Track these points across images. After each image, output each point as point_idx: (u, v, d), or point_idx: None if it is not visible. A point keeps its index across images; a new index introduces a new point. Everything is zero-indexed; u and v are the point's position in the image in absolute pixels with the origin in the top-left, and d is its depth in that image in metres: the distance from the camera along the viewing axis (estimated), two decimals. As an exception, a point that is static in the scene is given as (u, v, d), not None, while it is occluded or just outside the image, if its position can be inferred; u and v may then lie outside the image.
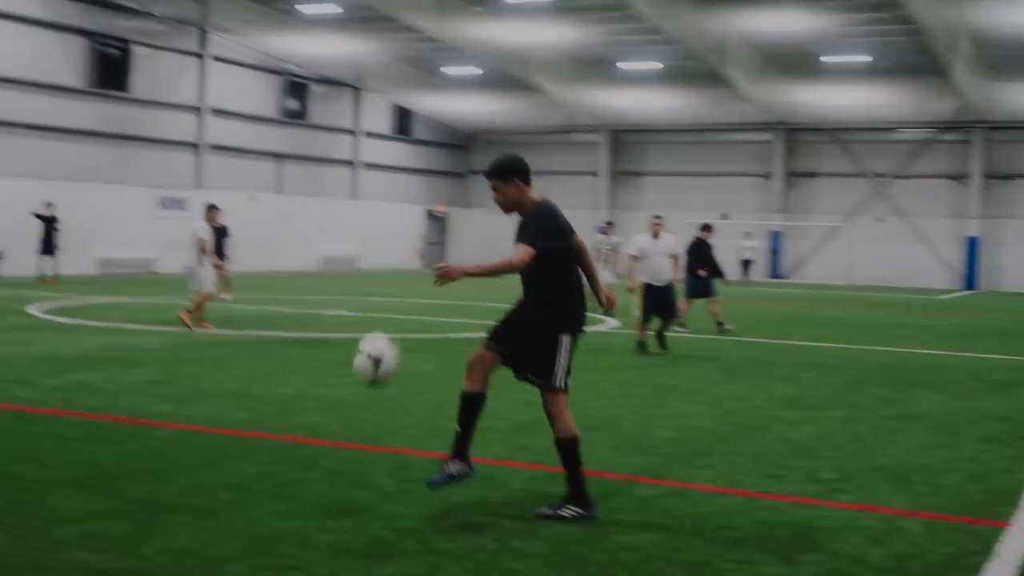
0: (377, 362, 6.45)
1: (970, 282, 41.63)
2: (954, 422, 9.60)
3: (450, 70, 42.77)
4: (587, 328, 6.37)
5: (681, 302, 18.09)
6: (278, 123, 41.26)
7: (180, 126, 37.03)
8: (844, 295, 34.31)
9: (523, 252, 6.03)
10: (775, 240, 44.73)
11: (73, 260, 30.61)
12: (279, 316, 19.28)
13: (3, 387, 10.10)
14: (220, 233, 18.77)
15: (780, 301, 29.54)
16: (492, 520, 5.88)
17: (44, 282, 27.34)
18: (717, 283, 18.90)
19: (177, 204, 35.88)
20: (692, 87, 41.71)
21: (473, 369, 6.19)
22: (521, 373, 6.25)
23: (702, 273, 18.32)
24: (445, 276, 5.85)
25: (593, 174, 47.70)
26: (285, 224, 40.04)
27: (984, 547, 5.62)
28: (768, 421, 9.42)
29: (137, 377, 11.01)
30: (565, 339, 6.14)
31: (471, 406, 6.15)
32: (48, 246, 28.35)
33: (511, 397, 8.72)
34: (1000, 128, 41.44)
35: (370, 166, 45.73)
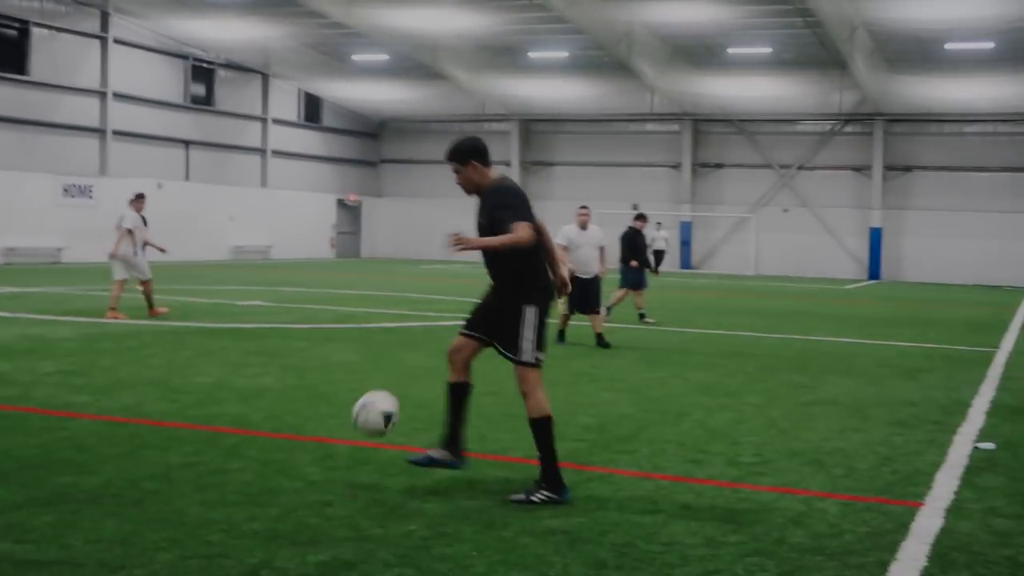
0: (388, 418, 6.46)
1: (874, 272, 42.68)
2: (865, 407, 9.87)
3: (359, 57, 42.47)
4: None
5: (619, 293, 18.24)
6: (185, 109, 40.63)
7: (83, 111, 36.26)
8: (754, 285, 34.92)
9: (525, 229, 6.11)
10: (686, 231, 45.30)
11: (-27, 249, 29.86)
12: (192, 306, 19.01)
13: (-91, 378, 9.84)
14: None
15: (692, 291, 29.95)
16: (420, 507, 5.90)
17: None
18: (648, 274, 19.00)
19: (82, 192, 35.12)
20: (600, 77, 42.04)
21: (452, 359, 6.28)
22: (498, 350, 6.30)
23: (634, 264, 18.19)
24: (461, 243, 6.03)
25: (505, 163, 47.77)
26: (194, 213, 39.43)
27: (899, 526, 5.81)
28: (687, 408, 9.58)
29: (51, 368, 10.80)
30: (529, 311, 6.18)
31: (455, 395, 6.26)
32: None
33: (434, 386, 8.75)
34: (898, 120, 42.52)
35: (280, 154, 45.28)
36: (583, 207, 15.48)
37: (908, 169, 42.88)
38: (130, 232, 16.54)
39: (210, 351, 12.57)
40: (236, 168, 43.18)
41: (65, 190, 34.63)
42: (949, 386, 11.45)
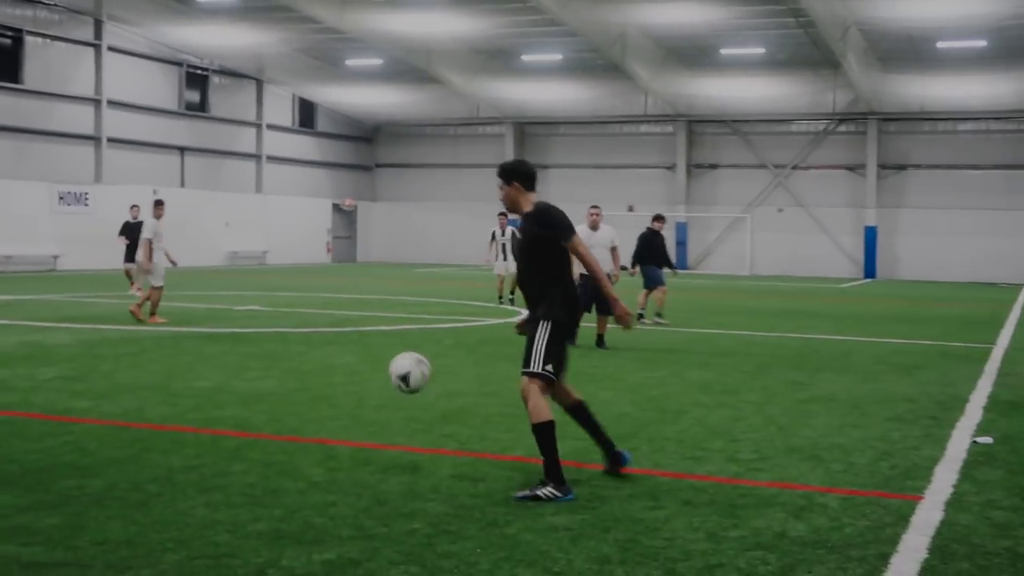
0: (405, 379, 6.72)
1: (870, 270, 42.75)
2: (863, 403, 9.92)
3: (353, 62, 42.42)
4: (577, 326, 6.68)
5: (641, 296, 18.43)
6: (179, 115, 40.61)
7: (77, 118, 36.24)
8: (750, 285, 34.97)
9: (582, 244, 6.55)
10: (681, 232, 45.34)
11: (-31, 257, 29.85)
12: (190, 312, 19.04)
13: (-90, 386, 9.86)
14: (137, 229, 19.34)
15: (689, 292, 29.98)
16: (423, 506, 5.94)
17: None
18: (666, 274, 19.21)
19: (78, 199, 35.11)
20: (594, 79, 42.10)
21: (553, 397, 6.53)
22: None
23: (634, 270, 18.74)
24: (619, 304, 6.68)
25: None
26: (189, 219, 39.33)
27: (899, 519, 5.85)
28: (686, 406, 9.62)
29: (50, 374, 10.83)
30: (546, 325, 6.39)
31: (577, 418, 6.70)
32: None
33: (433, 388, 8.78)
34: (891, 119, 42.61)
35: (275, 159, 45.27)
36: (594, 207, 15.34)
37: (902, 167, 42.95)
38: (149, 241, 17.20)
39: (209, 356, 12.60)
40: (231, 174, 43.17)
41: (60, 198, 34.61)
42: (945, 382, 11.50)
